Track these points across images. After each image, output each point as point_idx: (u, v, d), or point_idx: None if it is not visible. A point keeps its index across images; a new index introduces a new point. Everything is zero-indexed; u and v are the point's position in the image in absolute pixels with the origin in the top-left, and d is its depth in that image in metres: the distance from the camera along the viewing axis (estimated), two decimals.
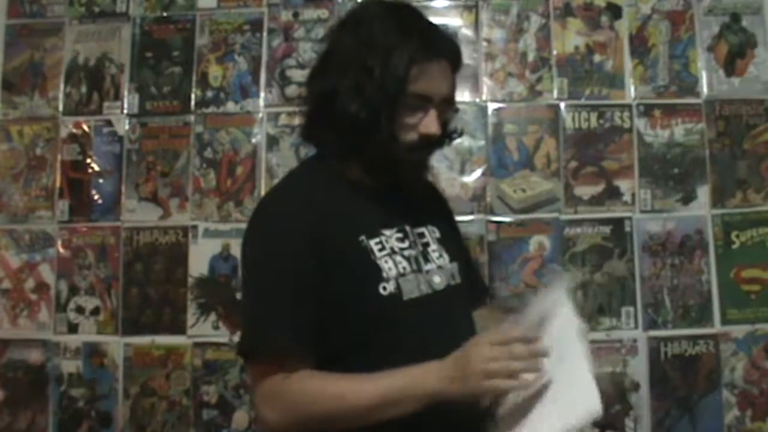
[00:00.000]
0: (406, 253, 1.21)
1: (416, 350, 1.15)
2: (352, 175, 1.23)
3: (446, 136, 1.29)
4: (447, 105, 1.25)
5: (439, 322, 1.21)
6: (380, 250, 1.19)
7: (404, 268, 1.20)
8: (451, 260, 1.28)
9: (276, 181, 1.93)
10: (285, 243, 1.16)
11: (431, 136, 1.21)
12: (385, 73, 1.18)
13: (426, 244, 1.26)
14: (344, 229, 1.18)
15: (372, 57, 1.18)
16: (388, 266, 1.18)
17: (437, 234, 1.29)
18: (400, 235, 1.23)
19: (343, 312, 1.16)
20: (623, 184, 1.92)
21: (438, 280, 1.23)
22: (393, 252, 1.20)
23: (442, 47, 1.23)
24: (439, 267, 1.25)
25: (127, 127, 2.02)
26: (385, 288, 1.17)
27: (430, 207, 1.35)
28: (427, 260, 1.24)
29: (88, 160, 2.01)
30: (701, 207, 1.90)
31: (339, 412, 1.12)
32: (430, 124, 1.21)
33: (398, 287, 1.18)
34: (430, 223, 1.29)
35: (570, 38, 1.98)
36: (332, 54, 1.24)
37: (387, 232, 1.22)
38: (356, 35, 1.21)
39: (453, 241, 1.34)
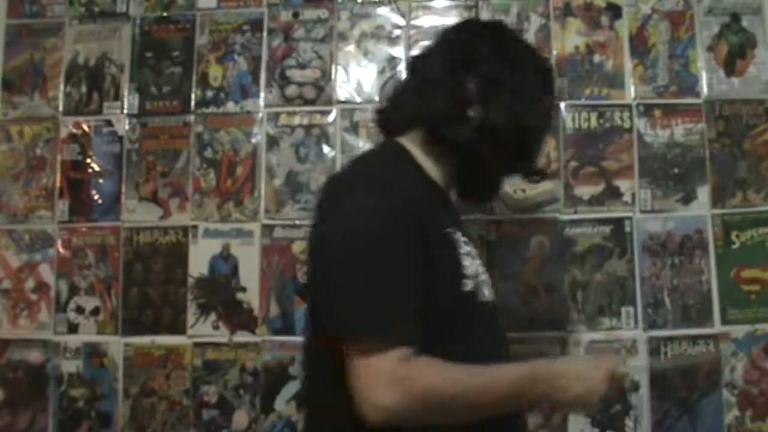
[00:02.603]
0: (477, 258, 1.22)
1: (479, 353, 1.13)
2: (433, 173, 1.25)
3: None
4: None
5: (495, 332, 1.23)
6: (464, 248, 1.19)
7: (476, 271, 1.19)
8: (489, 276, 1.28)
9: (276, 181, 1.95)
10: (402, 222, 1.10)
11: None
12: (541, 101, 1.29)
13: (481, 261, 1.26)
14: (435, 220, 1.15)
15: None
16: (467, 264, 1.16)
17: (476, 248, 1.29)
18: (465, 239, 1.21)
19: (431, 301, 1.09)
20: (623, 184, 1.92)
21: (487, 293, 1.23)
22: (469, 253, 1.20)
23: (557, 88, 1.35)
24: (486, 281, 1.24)
25: (127, 127, 2.02)
26: (466, 285, 1.15)
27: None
28: (484, 271, 1.25)
29: (88, 160, 2.01)
30: (701, 207, 1.90)
31: (477, 402, 1.08)
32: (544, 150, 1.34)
33: (476, 287, 1.17)
34: (468, 236, 1.28)
35: (570, 38, 1.98)
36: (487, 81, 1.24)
37: (463, 239, 1.21)
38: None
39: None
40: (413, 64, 1.38)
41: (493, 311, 1.26)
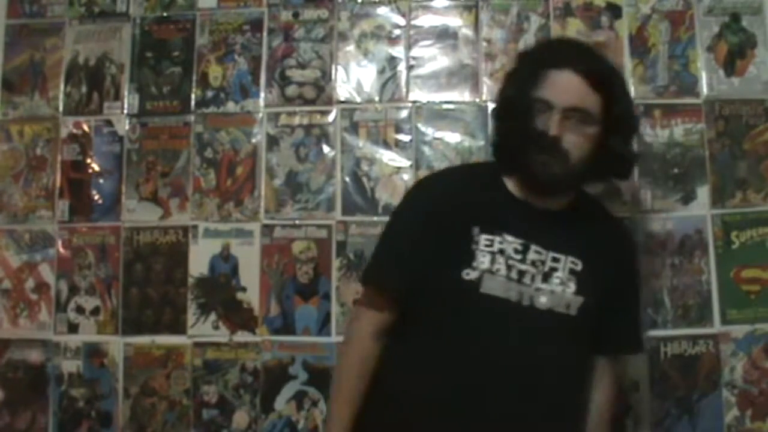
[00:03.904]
0: (513, 263, 1.31)
1: (473, 342, 1.27)
2: (510, 185, 1.38)
3: (605, 160, 1.35)
4: (578, 116, 1.30)
5: (515, 333, 1.28)
6: (487, 245, 1.31)
7: (498, 269, 1.30)
8: (578, 293, 1.33)
9: (276, 181, 1.96)
10: (414, 203, 1.43)
11: (555, 138, 1.28)
12: (515, 80, 1.37)
13: (553, 269, 1.32)
14: (464, 218, 1.32)
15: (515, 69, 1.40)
16: (483, 259, 1.30)
17: (578, 267, 1.34)
18: (519, 247, 1.32)
19: (433, 280, 1.31)
20: (623, 184, 1.92)
21: (543, 300, 1.31)
22: (499, 252, 1.31)
23: (568, 58, 1.31)
24: (552, 291, 1.31)
25: (127, 127, 2.02)
26: (468, 274, 1.29)
27: (595, 244, 1.38)
28: (545, 281, 1.31)
29: (88, 160, 2.02)
30: (701, 207, 1.90)
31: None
32: (550, 125, 1.28)
33: (480, 278, 1.29)
34: (577, 257, 1.35)
35: None
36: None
37: (509, 238, 1.32)
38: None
39: (600, 283, 1.36)
40: None
41: (534, 317, 1.31)
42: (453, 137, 1.95)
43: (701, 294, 1.87)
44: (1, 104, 2.05)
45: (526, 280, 1.31)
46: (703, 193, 1.91)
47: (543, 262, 1.33)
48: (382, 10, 2.01)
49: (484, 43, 1.98)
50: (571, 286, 1.33)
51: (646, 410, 1.84)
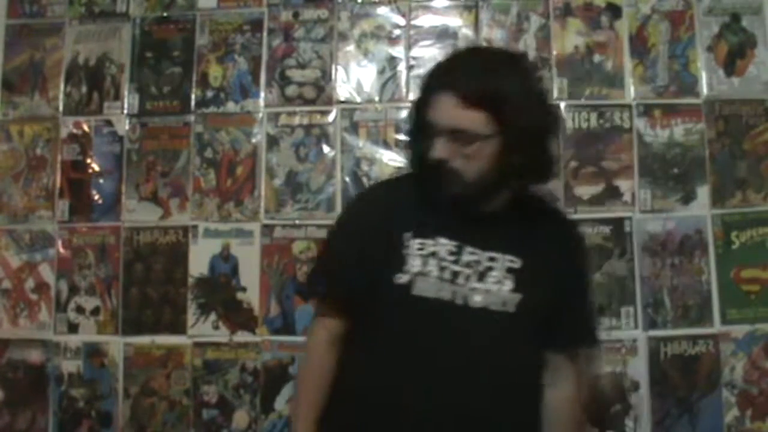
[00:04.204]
0: (445, 265, 1.33)
1: (408, 341, 1.32)
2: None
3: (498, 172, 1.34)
4: (462, 136, 1.30)
5: (449, 331, 1.32)
6: (419, 249, 1.34)
7: (429, 271, 1.33)
8: (515, 291, 1.35)
9: (276, 181, 1.96)
10: (350, 217, 1.51)
11: (440, 161, 1.31)
12: (413, 104, 1.40)
13: (489, 268, 1.35)
14: (397, 225, 1.36)
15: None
16: (414, 262, 1.33)
17: (517, 265, 1.36)
18: (454, 249, 1.34)
19: (373, 286, 1.35)
20: (623, 184, 1.92)
21: (478, 299, 1.33)
22: (431, 255, 1.34)
23: (448, 80, 1.31)
24: (487, 290, 1.34)
25: (127, 127, 2.02)
26: (400, 278, 1.33)
27: (536, 242, 1.39)
28: (480, 280, 1.34)
29: (88, 160, 2.02)
30: (701, 207, 1.90)
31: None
32: (434, 150, 1.31)
33: (411, 281, 1.33)
34: (515, 255, 1.36)
35: (570, 38, 1.98)
36: None
37: (442, 241, 1.35)
38: None
39: (544, 279, 1.37)
40: None
41: (467, 316, 1.33)
42: None
43: (701, 294, 1.87)
44: (1, 104, 2.05)
45: (460, 280, 1.34)
46: (703, 193, 1.91)
47: (478, 262, 1.35)
48: (382, 10, 2.01)
49: (484, 43, 1.98)
50: (508, 284, 1.35)
51: (646, 410, 1.84)
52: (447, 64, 1.36)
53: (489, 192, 1.35)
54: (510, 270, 1.35)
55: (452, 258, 1.34)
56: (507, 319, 1.34)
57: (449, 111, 1.30)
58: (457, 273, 1.34)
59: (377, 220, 1.40)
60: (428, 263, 1.34)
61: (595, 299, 1.59)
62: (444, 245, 1.35)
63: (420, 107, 1.35)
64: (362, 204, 1.52)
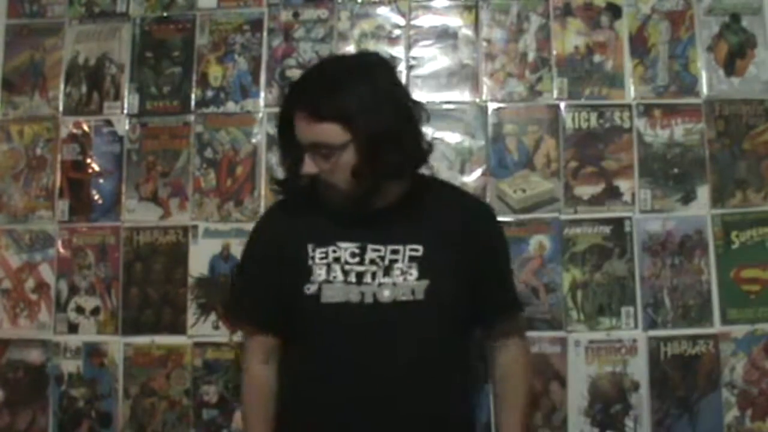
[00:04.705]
0: (350, 267, 1.39)
1: (327, 348, 1.39)
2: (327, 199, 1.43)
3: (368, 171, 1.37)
4: (322, 149, 1.36)
5: (363, 331, 1.37)
6: (322, 258, 1.41)
7: (334, 277, 1.39)
8: (421, 278, 1.39)
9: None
10: (253, 243, 1.55)
11: (311, 176, 1.39)
12: (277, 124, 1.47)
13: (393, 261, 1.40)
14: (299, 239, 1.43)
15: None
16: (319, 272, 1.40)
17: (419, 252, 1.40)
18: (356, 250, 1.40)
19: (287, 302, 1.42)
20: (623, 184, 1.92)
21: (386, 294, 1.38)
22: (335, 261, 1.40)
23: (296, 99, 1.39)
24: (394, 284, 1.38)
25: (127, 127, 2.02)
26: (309, 289, 1.39)
27: (437, 225, 1.44)
28: (387, 274, 1.39)
29: (88, 160, 2.01)
30: (701, 207, 1.90)
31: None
32: (302, 166, 1.39)
33: (319, 290, 1.39)
34: (417, 243, 1.41)
35: (570, 38, 1.98)
36: None
37: (344, 245, 1.41)
38: None
39: (452, 260, 1.41)
40: None
41: (377, 311, 1.38)
42: (453, 137, 1.95)
43: (701, 294, 1.87)
44: (1, 104, 2.05)
45: (367, 279, 1.39)
46: (703, 193, 1.91)
47: (383, 258, 1.40)
48: (382, 10, 2.01)
49: (484, 43, 1.98)
50: (413, 273, 1.39)
51: (646, 410, 1.84)
52: (298, 82, 1.44)
53: (368, 193, 1.38)
54: (413, 258, 1.40)
55: (356, 260, 1.40)
56: (418, 306, 1.38)
57: (305, 127, 1.36)
58: (362, 273, 1.39)
59: (280, 239, 1.47)
60: (332, 269, 1.40)
61: (511, 264, 1.61)
62: (346, 249, 1.40)
63: (284, 126, 1.42)
64: (264, 228, 1.56)
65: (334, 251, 1.41)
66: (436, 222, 1.44)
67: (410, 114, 1.41)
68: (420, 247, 1.41)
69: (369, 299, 1.38)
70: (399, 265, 1.40)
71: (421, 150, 1.43)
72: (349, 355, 1.37)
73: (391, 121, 1.36)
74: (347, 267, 1.40)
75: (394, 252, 1.40)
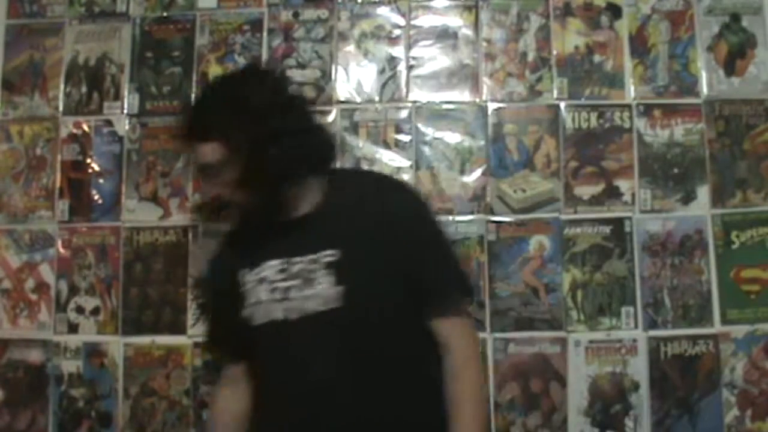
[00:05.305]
0: (275, 285, 1.38)
1: (264, 369, 1.42)
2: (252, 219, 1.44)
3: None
4: (211, 170, 1.39)
5: (294, 349, 1.36)
6: (251, 281, 1.41)
7: (261, 298, 1.39)
8: (338, 283, 1.34)
9: None
10: (207, 279, 1.64)
11: (213, 198, 1.41)
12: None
13: (312, 271, 1.36)
14: (234, 269, 1.44)
15: None
16: (251, 295, 1.40)
17: (336, 257, 1.35)
18: (281, 266, 1.39)
19: (238, 330, 1.44)
20: (623, 184, 1.92)
21: (311, 305, 1.35)
22: (262, 281, 1.39)
23: (179, 129, 1.43)
24: (316, 294, 1.35)
25: (127, 127, 2.02)
26: (245, 314, 1.41)
27: (353, 225, 1.39)
28: (309, 286, 1.36)
29: (88, 160, 2.01)
30: (701, 207, 1.91)
31: None
32: (204, 191, 1.45)
33: (252, 313, 1.40)
34: (332, 247, 1.36)
35: (570, 38, 1.98)
36: None
37: (270, 263, 1.40)
38: None
39: (363, 261, 1.36)
40: None
41: (299, 327, 1.36)
42: (453, 137, 1.95)
43: (701, 294, 1.87)
44: (1, 104, 2.05)
45: (293, 294, 1.36)
46: (703, 193, 1.91)
47: (305, 269, 1.37)
48: (382, 10, 2.01)
49: (484, 43, 1.99)
50: (330, 279, 1.35)
51: (646, 410, 1.84)
52: (183, 108, 1.51)
53: (270, 202, 1.37)
54: (330, 264, 1.35)
55: (281, 276, 1.38)
56: (338, 315, 1.34)
57: (195, 151, 1.39)
58: (289, 288, 1.37)
59: (221, 275, 1.51)
60: (261, 290, 1.39)
61: (446, 243, 1.51)
62: (272, 267, 1.39)
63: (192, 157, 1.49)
64: (211, 267, 1.61)
65: (261, 272, 1.40)
66: (353, 220, 1.39)
67: (295, 114, 1.40)
68: (336, 251, 1.36)
69: (294, 315, 1.36)
70: (317, 274, 1.36)
71: (315, 147, 1.41)
72: (279, 373, 1.38)
73: (264, 126, 1.34)
74: (274, 285, 1.38)
75: (313, 261, 1.36)
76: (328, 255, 1.36)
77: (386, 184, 1.55)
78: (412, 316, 1.39)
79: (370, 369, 1.34)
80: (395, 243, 1.37)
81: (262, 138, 1.33)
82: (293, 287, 1.36)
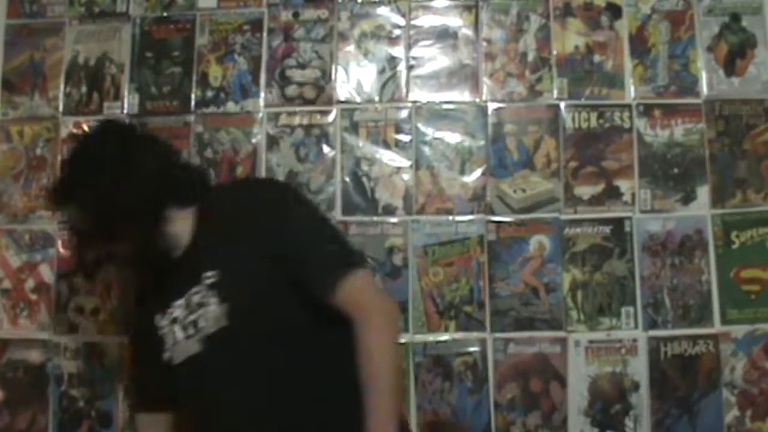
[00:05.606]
0: (185, 321, 1.38)
1: (191, 406, 1.41)
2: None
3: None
4: (77, 232, 1.45)
5: (210, 380, 1.36)
6: (165, 324, 1.41)
7: (176, 338, 1.39)
8: (222, 302, 1.34)
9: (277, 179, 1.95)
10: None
11: (101, 255, 1.46)
12: None
13: (204, 296, 1.36)
14: (148, 317, 1.44)
15: None
16: (168, 338, 1.40)
17: (214, 278, 1.36)
18: (184, 302, 1.39)
19: (164, 376, 1.43)
20: (623, 184, 1.92)
21: (208, 328, 1.35)
22: (173, 322, 1.40)
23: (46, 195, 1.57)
24: (207, 319, 1.35)
25: None
26: (165, 357, 1.40)
27: (222, 241, 1.38)
28: (205, 310, 1.36)
29: None
30: (701, 207, 1.91)
31: None
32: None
33: (171, 355, 1.40)
34: (209, 269, 1.37)
35: (570, 38, 1.98)
36: None
37: (176, 303, 1.40)
38: None
39: (237, 274, 1.35)
40: None
41: (206, 355, 1.36)
42: (453, 137, 1.95)
43: (701, 294, 1.87)
44: (1, 104, 2.05)
45: (201, 324, 1.36)
46: (703, 193, 1.91)
47: (201, 297, 1.37)
48: (382, 10, 2.01)
49: (484, 43, 1.99)
50: (215, 300, 1.35)
51: (646, 410, 1.84)
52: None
53: (148, 246, 1.40)
54: (212, 285, 1.36)
55: (186, 311, 1.38)
56: (230, 332, 1.33)
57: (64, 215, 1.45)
58: (196, 321, 1.36)
59: (137, 326, 1.54)
60: (174, 330, 1.39)
61: (316, 226, 1.43)
62: (178, 306, 1.39)
63: None
64: (130, 320, 1.64)
65: (171, 313, 1.40)
66: (224, 237, 1.38)
67: (143, 160, 1.40)
68: (213, 272, 1.36)
69: (204, 347, 1.36)
70: (207, 297, 1.36)
71: (173, 184, 1.42)
72: (202, 407, 1.37)
73: (105, 179, 1.37)
74: (184, 322, 1.38)
75: (202, 287, 1.36)
76: (209, 276, 1.36)
77: (242, 191, 1.54)
78: (311, 316, 1.34)
79: (282, 381, 1.32)
80: (265, 245, 1.35)
81: (104, 189, 1.36)
82: (200, 319, 1.36)
